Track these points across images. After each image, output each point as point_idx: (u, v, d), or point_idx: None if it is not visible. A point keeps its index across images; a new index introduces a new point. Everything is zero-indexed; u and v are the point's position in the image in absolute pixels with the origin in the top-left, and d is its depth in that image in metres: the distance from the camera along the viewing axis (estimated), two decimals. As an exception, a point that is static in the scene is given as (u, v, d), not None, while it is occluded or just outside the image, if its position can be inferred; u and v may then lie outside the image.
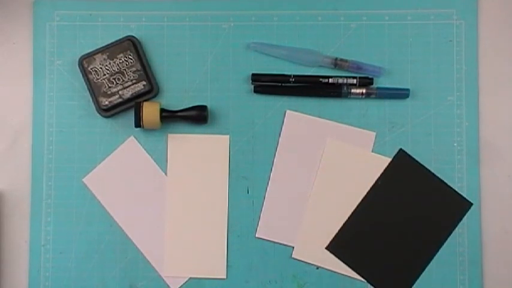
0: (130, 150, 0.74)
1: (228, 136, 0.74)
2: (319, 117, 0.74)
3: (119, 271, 0.73)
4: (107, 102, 0.73)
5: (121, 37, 0.74)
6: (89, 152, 0.74)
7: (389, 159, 0.73)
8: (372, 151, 0.73)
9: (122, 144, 0.74)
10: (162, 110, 0.72)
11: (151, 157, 0.74)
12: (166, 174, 0.74)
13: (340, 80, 0.73)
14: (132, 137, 0.74)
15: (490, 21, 0.74)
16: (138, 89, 0.73)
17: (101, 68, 0.73)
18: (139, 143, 0.74)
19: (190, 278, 0.73)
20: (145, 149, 0.74)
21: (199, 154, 0.74)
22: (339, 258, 0.73)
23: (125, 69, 0.73)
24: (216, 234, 0.73)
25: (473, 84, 0.74)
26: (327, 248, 0.73)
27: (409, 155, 0.73)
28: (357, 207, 0.73)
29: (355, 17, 0.74)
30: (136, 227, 0.73)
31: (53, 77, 0.75)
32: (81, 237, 0.74)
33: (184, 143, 0.74)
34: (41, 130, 0.74)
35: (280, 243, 0.73)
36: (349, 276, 0.72)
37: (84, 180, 0.74)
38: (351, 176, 0.73)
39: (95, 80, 0.73)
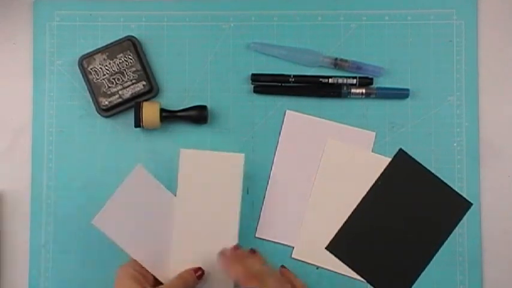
0: (139, 179, 0.68)
1: (243, 155, 0.69)
2: (319, 117, 0.74)
3: (119, 271, 0.73)
4: (106, 102, 0.73)
5: (121, 37, 0.73)
6: (89, 152, 0.74)
7: (389, 159, 0.73)
8: (372, 151, 0.73)
9: (130, 174, 0.68)
10: (162, 110, 0.72)
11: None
12: (175, 194, 0.69)
13: (340, 80, 0.73)
14: (139, 165, 0.68)
15: (490, 21, 0.74)
16: (138, 89, 0.73)
17: (100, 68, 0.73)
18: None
19: None
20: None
21: (212, 172, 0.69)
22: (339, 258, 0.73)
23: (125, 69, 0.73)
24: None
25: (473, 84, 0.74)
26: (327, 248, 0.73)
27: (409, 155, 0.73)
28: (357, 207, 0.73)
29: (355, 17, 0.74)
30: (141, 248, 0.68)
31: (53, 77, 0.75)
32: (81, 237, 0.74)
33: (196, 160, 0.69)
34: (41, 130, 0.74)
35: (280, 243, 0.73)
36: (349, 276, 0.72)
37: (93, 222, 0.66)
38: (351, 176, 0.73)
39: (94, 80, 0.73)
